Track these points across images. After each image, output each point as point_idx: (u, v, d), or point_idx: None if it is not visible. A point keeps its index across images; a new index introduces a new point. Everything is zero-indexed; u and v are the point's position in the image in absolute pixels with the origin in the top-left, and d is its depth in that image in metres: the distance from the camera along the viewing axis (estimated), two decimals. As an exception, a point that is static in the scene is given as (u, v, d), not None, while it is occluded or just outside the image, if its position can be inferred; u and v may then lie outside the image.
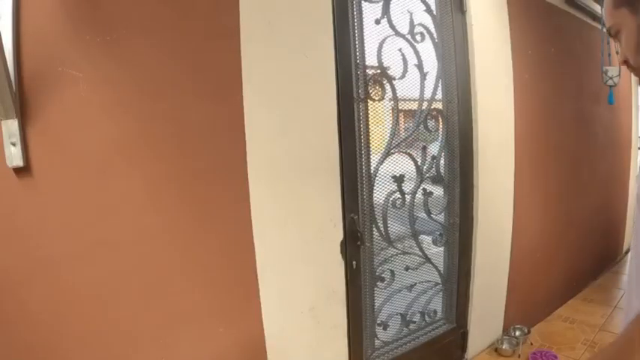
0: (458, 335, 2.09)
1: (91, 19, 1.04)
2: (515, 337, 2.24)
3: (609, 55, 2.69)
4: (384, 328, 1.80)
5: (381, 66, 1.61)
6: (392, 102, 1.68)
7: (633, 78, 3.73)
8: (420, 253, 1.89)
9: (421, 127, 1.79)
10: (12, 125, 0.96)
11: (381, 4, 1.61)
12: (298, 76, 1.35)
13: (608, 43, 2.72)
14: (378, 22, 1.60)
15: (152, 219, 1.15)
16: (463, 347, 2.13)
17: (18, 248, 1.02)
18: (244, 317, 1.32)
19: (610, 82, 2.69)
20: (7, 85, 0.91)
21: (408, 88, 1.72)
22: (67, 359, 1.09)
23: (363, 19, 1.56)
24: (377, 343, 1.79)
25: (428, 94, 1.81)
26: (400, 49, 1.67)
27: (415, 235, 1.85)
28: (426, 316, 1.98)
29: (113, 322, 1.12)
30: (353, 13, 1.52)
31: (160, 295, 1.18)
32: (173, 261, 1.19)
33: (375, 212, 1.68)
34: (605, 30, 2.62)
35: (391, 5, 1.63)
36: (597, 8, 2.82)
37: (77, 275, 1.07)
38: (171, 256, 1.19)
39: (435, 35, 1.81)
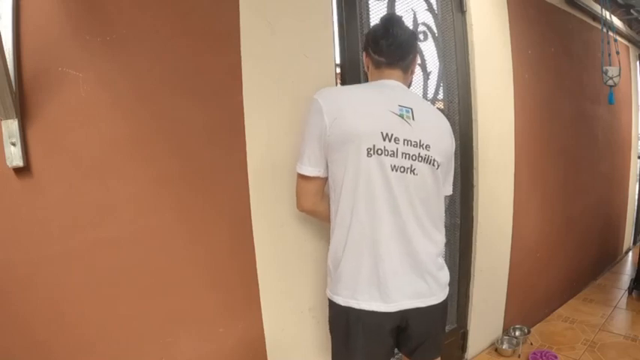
0: (458, 335, 2.09)
1: (91, 20, 1.04)
2: (515, 337, 2.24)
3: (609, 55, 2.69)
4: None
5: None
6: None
7: (633, 78, 3.73)
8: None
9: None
10: (12, 125, 0.96)
11: (386, 1, 1.60)
12: (298, 76, 1.35)
13: (608, 43, 2.72)
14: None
15: (152, 219, 1.15)
16: (463, 347, 2.13)
17: (18, 248, 1.02)
18: (244, 317, 1.32)
19: (610, 82, 2.69)
20: (7, 85, 0.91)
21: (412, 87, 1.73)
22: (66, 359, 1.09)
23: (370, 17, 1.56)
24: (377, 343, 1.79)
25: (430, 94, 1.81)
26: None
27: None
28: (426, 316, 1.98)
29: (113, 322, 1.12)
30: (360, 11, 1.52)
31: (159, 295, 1.18)
32: (173, 261, 1.19)
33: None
34: (605, 30, 2.62)
35: (396, 3, 1.63)
36: (597, 8, 2.81)
37: (77, 275, 1.07)
38: (171, 256, 1.19)
39: (437, 35, 1.81)
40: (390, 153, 1.03)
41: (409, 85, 1.21)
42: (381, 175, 1.03)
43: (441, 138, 1.11)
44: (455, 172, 1.92)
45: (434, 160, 1.07)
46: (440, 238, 1.13)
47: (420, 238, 1.07)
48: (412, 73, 1.18)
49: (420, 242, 1.07)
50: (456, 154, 1.61)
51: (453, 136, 1.17)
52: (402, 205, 1.04)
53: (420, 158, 1.05)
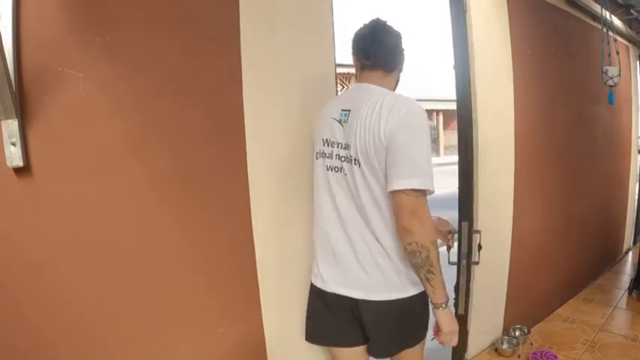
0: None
1: (91, 20, 1.04)
2: (515, 337, 2.24)
3: (609, 55, 2.69)
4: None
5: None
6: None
7: (633, 78, 3.73)
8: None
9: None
10: (12, 125, 0.96)
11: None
12: (298, 76, 1.35)
13: (608, 43, 2.71)
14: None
15: (152, 219, 1.15)
16: (463, 347, 2.13)
17: (18, 248, 1.02)
18: (244, 317, 1.32)
19: (610, 82, 2.69)
20: (7, 85, 0.91)
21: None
22: (66, 359, 1.09)
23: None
24: (377, 343, 1.79)
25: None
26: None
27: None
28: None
29: (113, 323, 1.12)
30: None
31: (159, 296, 1.18)
32: (173, 261, 1.19)
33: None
34: (605, 30, 2.62)
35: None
36: (597, 8, 2.81)
37: (77, 275, 1.07)
38: (171, 257, 1.19)
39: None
40: (327, 155, 1.18)
41: (396, 82, 1.24)
42: (322, 175, 1.20)
43: (363, 133, 1.08)
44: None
45: (352, 158, 1.11)
46: (371, 236, 1.13)
47: (352, 234, 1.15)
48: (400, 71, 1.23)
49: (350, 238, 1.15)
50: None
51: (393, 122, 1.04)
52: (339, 201, 1.16)
53: (345, 158, 1.13)
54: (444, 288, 1.10)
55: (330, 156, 1.17)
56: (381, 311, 1.16)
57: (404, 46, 1.21)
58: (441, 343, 1.15)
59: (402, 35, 1.20)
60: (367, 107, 1.09)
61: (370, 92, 1.13)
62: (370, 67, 1.17)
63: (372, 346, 1.24)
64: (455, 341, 1.15)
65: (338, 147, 1.15)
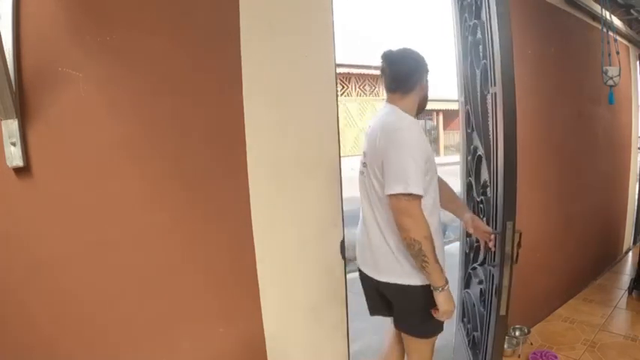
0: (458, 335, 2.09)
1: (91, 19, 1.04)
2: (515, 337, 2.24)
3: (609, 55, 2.69)
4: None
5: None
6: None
7: (633, 78, 3.73)
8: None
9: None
10: (12, 125, 0.96)
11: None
12: (298, 76, 1.35)
13: (608, 42, 2.71)
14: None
15: (152, 219, 1.15)
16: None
17: (18, 248, 1.02)
18: (244, 317, 1.32)
19: (610, 82, 2.69)
20: (7, 85, 0.91)
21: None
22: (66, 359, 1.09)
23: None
24: (377, 343, 1.80)
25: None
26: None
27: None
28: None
29: (113, 322, 1.12)
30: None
31: (159, 295, 1.18)
32: (173, 261, 1.19)
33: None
34: (605, 30, 2.62)
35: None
36: (597, 8, 2.81)
37: (77, 275, 1.07)
38: (171, 257, 1.19)
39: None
40: (361, 162, 1.42)
41: (419, 100, 1.38)
42: (358, 177, 1.45)
43: (371, 146, 1.32)
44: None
45: (365, 163, 1.37)
46: (378, 229, 1.34)
47: (369, 227, 1.38)
48: (420, 90, 1.38)
49: (368, 230, 1.38)
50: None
51: (384, 139, 1.26)
52: (362, 200, 1.42)
53: (365, 164, 1.38)
54: (441, 272, 1.25)
55: (361, 162, 1.42)
56: (392, 292, 1.37)
57: (428, 67, 1.38)
58: (439, 317, 1.31)
59: (422, 59, 1.37)
60: (380, 124, 1.32)
61: (386, 112, 1.36)
62: (392, 90, 1.37)
63: (394, 319, 1.46)
64: (448, 317, 1.31)
65: (363, 156, 1.40)
